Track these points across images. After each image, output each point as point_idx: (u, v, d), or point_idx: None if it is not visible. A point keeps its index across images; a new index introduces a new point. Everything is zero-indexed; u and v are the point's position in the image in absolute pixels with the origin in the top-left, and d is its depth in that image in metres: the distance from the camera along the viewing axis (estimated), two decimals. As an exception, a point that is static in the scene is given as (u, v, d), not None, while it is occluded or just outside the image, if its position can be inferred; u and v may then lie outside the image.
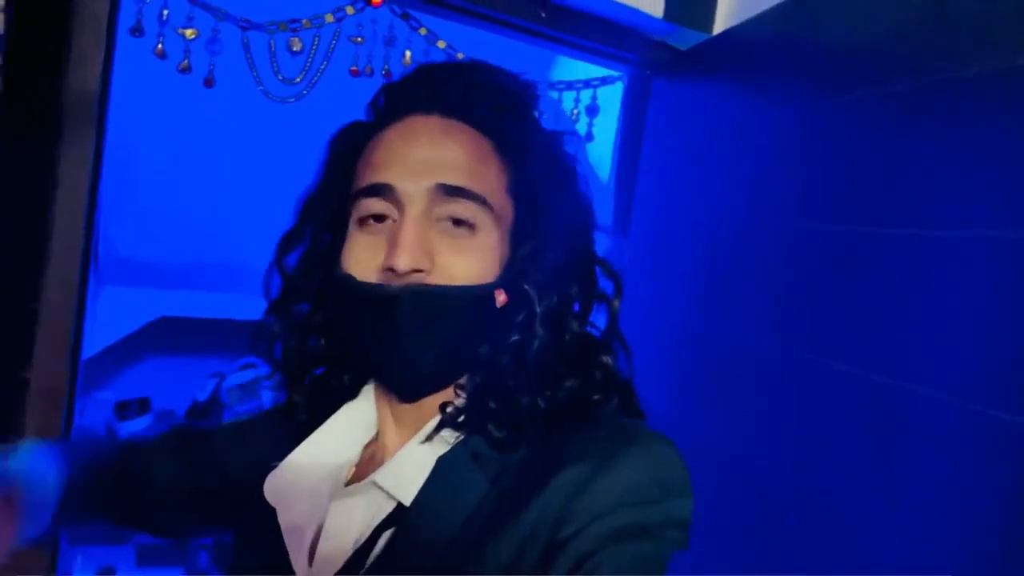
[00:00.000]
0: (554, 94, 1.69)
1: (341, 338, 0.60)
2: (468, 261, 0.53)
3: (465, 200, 0.53)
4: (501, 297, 0.54)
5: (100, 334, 2.34)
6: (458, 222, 0.53)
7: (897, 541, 1.02)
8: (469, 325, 0.54)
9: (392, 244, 0.52)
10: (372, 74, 1.55)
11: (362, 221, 0.54)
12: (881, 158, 1.08)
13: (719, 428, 1.37)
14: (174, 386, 2.59)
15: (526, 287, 0.54)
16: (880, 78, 1.10)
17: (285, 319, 0.61)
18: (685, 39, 1.53)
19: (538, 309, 0.54)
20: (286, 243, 0.60)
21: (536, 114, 0.60)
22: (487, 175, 0.55)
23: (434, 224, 0.53)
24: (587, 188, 0.60)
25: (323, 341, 0.61)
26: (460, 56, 1.59)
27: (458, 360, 0.56)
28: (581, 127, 1.68)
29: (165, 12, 1.35)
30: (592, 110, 1.66)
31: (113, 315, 2.23)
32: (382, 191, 0.53)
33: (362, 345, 0.56)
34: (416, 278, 0.52)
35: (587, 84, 1.66)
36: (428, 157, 0.53)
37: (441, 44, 1.57)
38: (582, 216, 0.59)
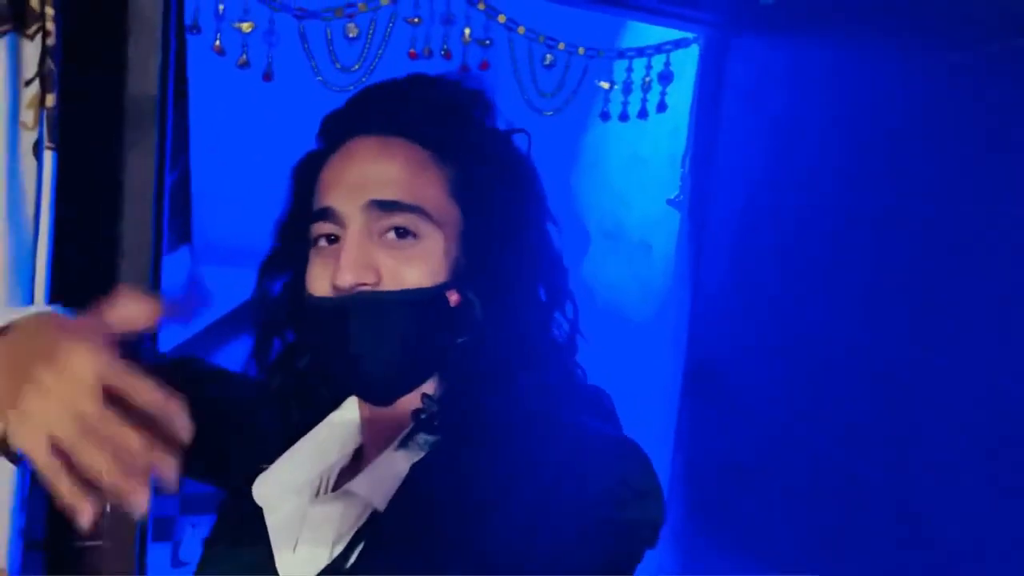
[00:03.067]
0: (624, 62, 1.56)
1: (313, 355, 0.63)
2: (416, 267, 0.56)
3: (402, 212, 0.55)
4: (454, 297, 0.57)
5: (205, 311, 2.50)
6: (401, 233, 0.55)
7: (998, 557, 0.91)
8: (423, 326, 0.56)
9: (335, 264, 0.55)
10: (431, 56, 1.49)
11: (317, 243, 0.58)
12: (1002, 128, 0.91)
13: (809, 421, 1.26)
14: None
15: (471, 287, 0.56)
16: (1007, 30, 0.92)
17: (273, 341, 0.64)
18: (769, -8, 1.37)
19: (478, 309, 0.56)
20: (266, 270, 0.63)
21: (478, 117, 0.61)
22: (424, 185, 0.57)
23: (377, 238, 0.55)
24: (538, 185, 0.61)
25: (307, 359, 0.63)
26: (521, 31, 1.50)
27: (420, 361, 0.58)
28: (653, 96, 1.55)
29: (221, 7, 1.35)
30: (665, 77, 1.53)
31: (214, 293, 2.38)
32: (327, 215, 0.57)
33: (326, 357, 0.59)
34: (363, 291, 0.54)
35: (659, 49, 1.53)
36: (362, 176, 0.56)
37: (501, 18, 1.49)
38: (531, 213, 0.60)
